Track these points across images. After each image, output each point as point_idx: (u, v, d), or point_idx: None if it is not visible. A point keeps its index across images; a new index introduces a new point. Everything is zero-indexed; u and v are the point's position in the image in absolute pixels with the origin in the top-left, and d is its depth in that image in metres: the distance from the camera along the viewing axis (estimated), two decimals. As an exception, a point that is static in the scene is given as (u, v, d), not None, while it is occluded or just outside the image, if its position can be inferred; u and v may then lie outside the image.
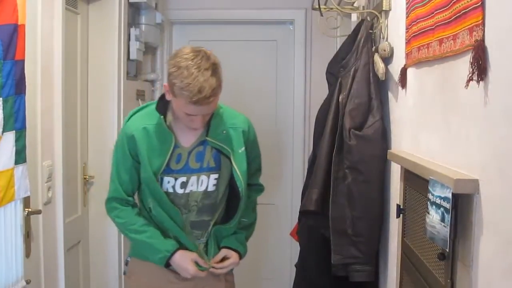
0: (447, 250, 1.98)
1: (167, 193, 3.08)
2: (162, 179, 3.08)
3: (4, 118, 2.83)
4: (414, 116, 2.71)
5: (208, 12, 5.83)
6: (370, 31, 3.43)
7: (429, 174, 2.10)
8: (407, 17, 2.74)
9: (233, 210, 3.21)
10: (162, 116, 3.03)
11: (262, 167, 3.45)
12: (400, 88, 2.94)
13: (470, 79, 1.83)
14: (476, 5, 1.80)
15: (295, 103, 5.90)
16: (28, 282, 3.20)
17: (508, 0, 1.63)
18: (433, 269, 2.22)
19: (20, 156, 3.00)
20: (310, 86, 5.83)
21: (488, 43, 1.75)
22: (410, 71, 2.77)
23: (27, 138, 3.07)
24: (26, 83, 3.03)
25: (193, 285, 3.14)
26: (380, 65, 3.19)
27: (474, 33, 1.82)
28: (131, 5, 4.96)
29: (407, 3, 2.74)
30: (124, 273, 3.37)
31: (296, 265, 3.92)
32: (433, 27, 2.26)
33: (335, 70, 3.56)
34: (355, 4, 3.98)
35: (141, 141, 3.02)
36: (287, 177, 5.96)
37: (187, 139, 3.09)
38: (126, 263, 3.31)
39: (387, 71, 3.20)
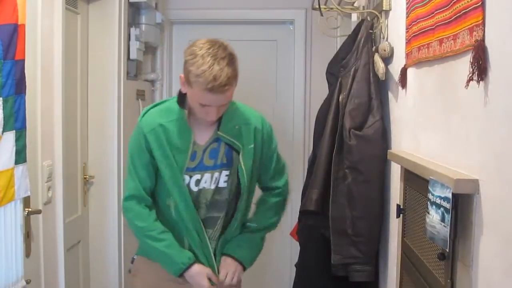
0: (447, 250, 1.98)
1: None
2: None
3: (4, 118, 2.83)
4: (414, 116, 2.71)
5: (208, 12, 5.83)
6: (370, 31, 3.43)
7: (429, 174, 2.10)
8: (407, 17, 2.74)
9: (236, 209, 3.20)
10: (186, 111, 3.02)
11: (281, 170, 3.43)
12: (400, 88, 2.94)
13: (470, 79, 1.83)
14: (476, 5, 1.80)
15: (295, 103, 5.90)
16: (28, 282, 3.20)
17: (508, 0, 1.64)
18: (433, 269, 2.22)
19: (20, 156, 3.00)
20: (310, 86, 5.83)
21: (488, 43, 1.75)
22: (410, 71, 2.77)
23: (27, 138, 3.08)
24: (26, 83, 3.03)
25: None
26: (380, 65, 3.19)
27: (474, 33, 1.82)
28: (131, 5, 4.96)
29: (407, 3, 2.74)
30: (129, 271, 3.36)
31: (296, 265, 3.92)
32: (433, 27, 2.26)
33: (335, 70, 3.56)
34: (355, 4, 3.97)
35: (160, 138, 3.00)
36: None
37: (202, 136, 3.08)
38: (132, 261, 3.29)
39: (387, 71, 3.20)
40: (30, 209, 3.26)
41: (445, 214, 1.91)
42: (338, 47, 4.00)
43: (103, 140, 4.66)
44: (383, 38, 3.33)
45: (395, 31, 3.11)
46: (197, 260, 3.09)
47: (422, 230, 2.22)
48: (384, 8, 3.26)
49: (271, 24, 6.00)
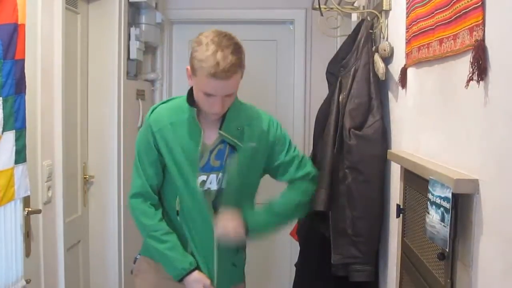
0: (447, 250, 1.98)
1: None
2: None
3: (4, 117, 2.83)
4: (414, 116, 2.71)
5: (208, 12, 5.83)
6: (370, 31, 3.42)
7: (429, 174, 2.10)
8: (407, 17, 2.74)
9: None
10: (195, 109, 2.98)
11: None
12: (400, 88, 2.93)
13: (470, 79, 1.83)
14: (476, 5, 1.80)
15: (295, 103, 5.90)
16: (28, 281, 3.20)
17: (508, 0, 1.64)
18: (433, 269, 2.22)
19: (20, 156, 3.00)
20: (310, 86, 5.83)
21: (488, 43, 1.75)
22: (410, 71, 2.77)
23: (27, 138, 3.08)
24: (26, 83, 3.03)
25: None
26: (380, 65, 3.19)
27: (475, 33, 1.82)
28: (131, 4, 4.97)
29: (407, 3, 2.73)
30: (131, 272, 3.31)
31: (296, 265, 3.92)
32: (433, 27, 2.26)
33: (335, 70, 3.56)
34: (355, 4, 3.97)
35: (170, 136, 2.99)
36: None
37: (209, 136, 3.04)
38: (134, 261, 3.27)
39: (387, 71, 3.20)
40: (30, 209, 3.26)
41: (445, 214, 1.91)
42: (338, 47, 4.00)
43: (103, 140, 4.66)
44: (383, 38, 3.33)
45: (395, 31, 3.11)
46: (198, 267, 3.06)
47: (422, 230, 2.22)
48: (384, 8, 3.26)
49: (271, 24, 6.01)
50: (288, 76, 5.96)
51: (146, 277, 3.19)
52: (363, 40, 3.36)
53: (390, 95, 3.25)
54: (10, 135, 2.91)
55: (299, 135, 5.85)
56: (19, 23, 2.91)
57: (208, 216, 3.03)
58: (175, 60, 6.01)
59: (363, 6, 3.86)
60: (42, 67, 3.47)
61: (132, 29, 5.01)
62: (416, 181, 2.44)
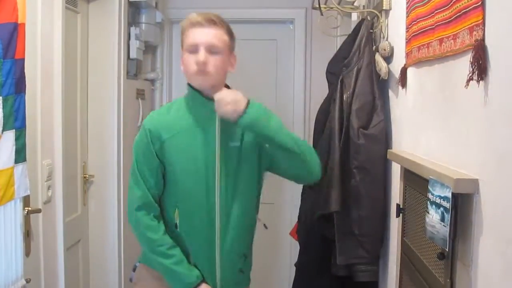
0: (447, 250, 1.98)
1: None
2: None
3: (4, 117, 2.83)
4: (414, 116, 2.71)
5: (208, 11, 5.82)
6: (371, 30, 3.43)
7: (429, 173, 2.10)
8: (407, 17, 2.74)
9: None
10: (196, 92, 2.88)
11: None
12: (400, 87, 2.94)
13: (470, 78, 1.83)
14: (476, 5, 1.80)
15: (295, 102, 5.89)
16: (28, 281, 3.20)
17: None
18: (433, 269, 2.22)
19: (20, 155, 3.00)
20: (310, 86, 5.82)
21: (488, 42, 1.75)
22: (410, 71, 2.77)
23: (27, 137, 3.07)
24: (26, 82, 3.03)
25: None
26: (382, 64, 3.19)
27: (474, 32, 1.82)
28: (131, 4, 4.96)
29: (407, 3, 2.74)
30: (130, 280, 3.20)
31: (295, 265, 3.92)
32: (433, 26, 2.27)
33: (336, 70, 3.56)
34: (355, 4, 3.98)
35: (183, 140, 2.86)
36: (287, 177, 5.89)
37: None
38: (134, 269, 3.16)
39: (388, 71, 3.20)
40: (29, 208, 3.26)
41: (445, 213, 1.91)
42: (338, 46, 4.00)
43: (103, 139, 4.66)
44: (383, 37, 3.33)
45: (395, 30, 3.11)
46: (204, 279, 2.93)
47: (422, 229, 2.22)
48: (384, 8, 3.26)
49: (271, 23, 6.00)
50: (288, 75, 5.95)
51: (146, 285, 3.12)
52: (364, 39, 3.36)
53: (390, 94, 3.25)
54: (10, 135, 2.91)
55: (299, 134, 5.83)
56: (19, 22, 2.91)
57: (212, 226, 2.89)
58: (175, 60, 5.99)
59: (363, 6, 3.87)
60: (42, 67, 3.46)
61: (132, 29, 5.01)
62: (416, 181, 2.44)
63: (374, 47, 3.36)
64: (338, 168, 3.32)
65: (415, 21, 2.56)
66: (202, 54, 2.76)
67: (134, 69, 5.15)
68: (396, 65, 3.05)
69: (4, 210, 2.97)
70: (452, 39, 2.04)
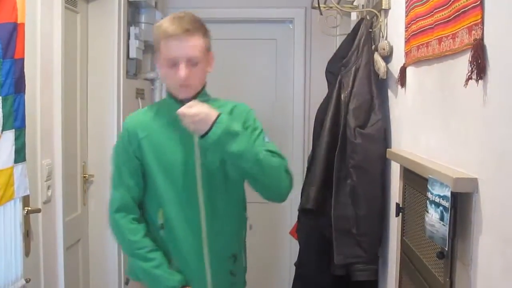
0: (446, 249, 1.98)
1: None
2: None
3: (3, 116, 2.84)
4: (413, 115, 2.71)
5: (208, 11, 5.80)
6: (370, 29, 3.43)
7: (428, 172, 2.11)
8: (406, 16, 2.74)
9: None
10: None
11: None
12: (399, 87, 2.94)
13: (469, 78, 1.83)
14: (475, 4, 1.80)
15: (295, 102, 5.89)
16: (27, 280, 3.20)
17: (507, -1, 1.64)
18: (432, 268, 2.22)
19: (20, 155, 3.00)
20: (310, 85, 5.83)
21: (487, 42, 1.75)
22: (410, 70, 2.77)
23: (27, 137, 3.08)
24: (26, 82, 3.04)
25: None
26: (381, 64, 3.19)
27: (473, 32, 1.82)
28: (130, 3, 4.96)
29: (406, 2, 2.74)
30: (126, 283, 3.11)
31: (295, 264, 3.92)
32: (433, 26, 2.27)
33: (335, 69, 3.56)
34: (354, 3, 3.98)
35: (159, 139, 2.82)
36: (287, 176, 5.87)
37: None
38: (127, 282, 3.07)
39: (387, 70, 3.20)
40: (29, 208, 3.26)
41: (444, 213, 1.91)
42: (338, 45, 4.00)
43: (102, 139, 4.65)
44: (382, 37, 3.33)
45: (394, 30, 3.11)
46: (187, 283, 2.84)
47: (421, 229, 2.22)
48: (383, 7, 3.26)
49: (270, 22, 6.00)
50: (288, 75, 5.96)
51: None
52: (363, 39, 3.36)
53: (390, 94, 3.25)
54: (10, 134, 2.91)
55: (299, 135, 5.86)
56: (18, 22, 2.91)
57: (198, 227, 2.82)
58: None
59: (363, 5, 3.87)
60: (42, 66, 3.47)
61: (132, 28, 5.01)
62: (416, 180, 2.44)
63: (373, 46, 3.37)
64: (323, 166, 3.34)
65: (414, 20, 2.56)
66: (183, 71, 2.68)
67: (133, 69, 5.15)
68: (396, 65, 3.06)
69: (4, 210, 2.97)
70: (451, 38, 2.04)
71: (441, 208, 1.94)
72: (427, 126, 2.46)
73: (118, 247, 4.70)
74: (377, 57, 3.24)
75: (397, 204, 2.79)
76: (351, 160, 3.27)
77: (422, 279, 2.35)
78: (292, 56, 5.91)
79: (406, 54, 2.76)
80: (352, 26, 3.88)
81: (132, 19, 5.13)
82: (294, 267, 3.94)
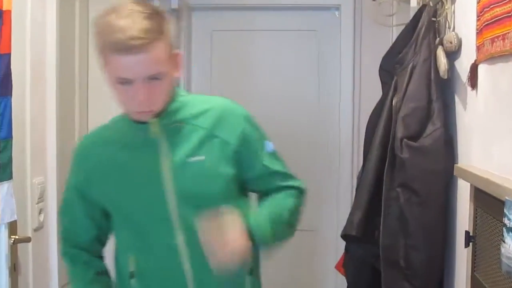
0: (527, 287, 1.99)
1: None
2: None
3: (-14, 125, 2.87)
4: (486, 123, 2.71)
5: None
6: (433, 19, 3.43)
7: (505, 193, 2.11)
8: (478, 2, 2.74)
9: None
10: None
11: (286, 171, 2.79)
12: (469, 89, 2.94)
13: (555, 77, 1.84)
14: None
15: (341, 107, 5.85)
16: (14, 324, 3.24)
17: None
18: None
19: (5, 172, 3.02)
20: (360, 86, 5.79)
21: None
22: (482, 68, 2.77)
23: (14, 150, 3.10)
24: (13, 83, 3.06)
25: None
26: (442, 61, 3.18)
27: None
28: (140, -14, 5.00)
29: (478, -16, 2.75)
30: None
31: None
32: (511, 13, 2.27)
33: (390, 67, 3.57)
34: (415, -14, 3.99)
35: (118, 165, 2.68)
36: (332, 199, 5.90)
37: None
38: None
39: (453, 68, 3.20)
40: (17, 237, 3.28)
41: (524, 243, 1.92)
42: (394, 38, 4.01)
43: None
44: (449, 27, 3.33)
45: (463, 19, 3.12)
46: None
47: (497, 262, 2.22)
48: (450, -9, 3.27)
49: (310, 10, 5.97)
50: (333, 74, 5.93)
51: None
52: (423, 30, 3.36)
53: (456, 97, 3.25)
54: (-6, 146, 2.94)
55: (347, 147, 5.80)
56: (3, 9, 2.93)
57: (179, 271, 2.61)
58: (194, 53, 5.98)
59: (425, -11, 3.88)
60: (32, 63, 3.50)
61: (141, 15, 5.03)
62: (490, 203, 2.44)
63: (437, 39, 3.37)
64: (370, 185, 3.35)
65: (487, 7, 2.56)
66: (141, 92, 2.40)
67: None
68: (465, 62, 3.06)
69: (-14, 238, 3.01)
70: (532, 29, 2.05)
71: (520, 237, 1.95)
72: (503, 137, 2.46)
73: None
74: (439, 52, 3.24)
75: (467, 232, 2.79)
76: (398, 178, 3.26)
77: (498, 325, 2.35)
78: (338, 51, 5.86)
79: (478, 48, 2.76)
80: (412, 14, 3.88)
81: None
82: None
